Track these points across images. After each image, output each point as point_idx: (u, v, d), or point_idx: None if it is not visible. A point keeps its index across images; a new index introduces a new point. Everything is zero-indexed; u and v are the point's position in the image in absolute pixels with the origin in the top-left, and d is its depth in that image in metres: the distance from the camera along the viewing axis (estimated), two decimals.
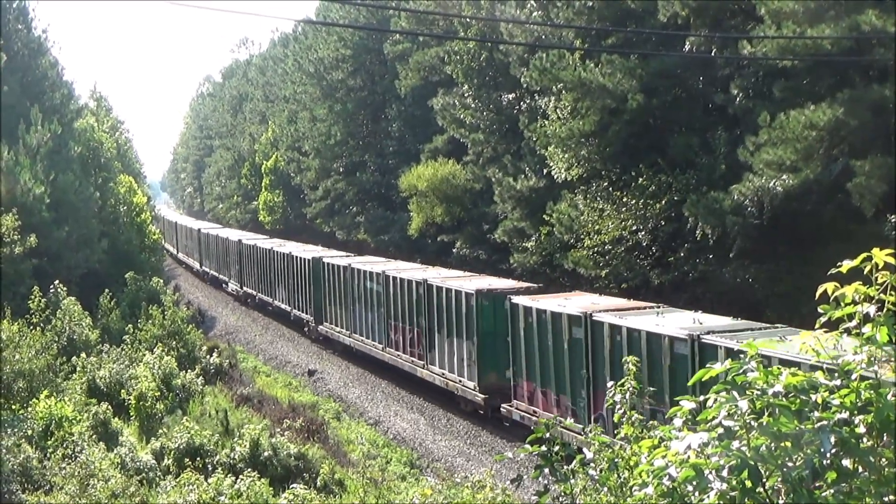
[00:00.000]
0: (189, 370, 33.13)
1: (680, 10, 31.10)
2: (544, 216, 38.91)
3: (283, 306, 52.76)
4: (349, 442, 30.12)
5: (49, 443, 23.29)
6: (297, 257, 49.55)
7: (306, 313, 47.99)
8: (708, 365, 5.46)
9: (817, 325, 5.45)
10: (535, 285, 32.59)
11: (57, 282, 36.98)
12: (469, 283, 33.16)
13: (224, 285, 68.59)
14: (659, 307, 25.53)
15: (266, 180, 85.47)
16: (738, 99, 31.25)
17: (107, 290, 41.29)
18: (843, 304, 5.29)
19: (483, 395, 30.47)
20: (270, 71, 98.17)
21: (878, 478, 4.77)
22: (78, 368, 30.74)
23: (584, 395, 24.59)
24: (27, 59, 47.17)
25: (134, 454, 23.20)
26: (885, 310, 5.16)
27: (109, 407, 26.52)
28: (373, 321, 39.26)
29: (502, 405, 29.13)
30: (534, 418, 25.20)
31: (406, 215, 54.50)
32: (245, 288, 61.66)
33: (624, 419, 9.31)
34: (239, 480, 20.36)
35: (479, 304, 30.72)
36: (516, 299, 28.41)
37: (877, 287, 5.21)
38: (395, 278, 36.67)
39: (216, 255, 71.81)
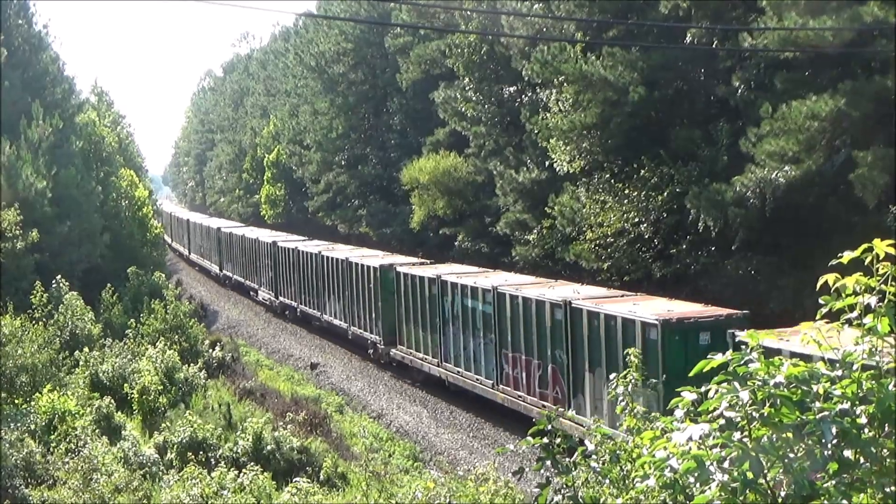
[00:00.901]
0: (191, 364, 33.16)
1: (681, 3, 31.06)
2: (546, 209, 38.89)
3: (336, 322, 44.49)
4: (352, 435, 30.14)
5: (52, 437, 23.33)
6: (358, 265, 41.13)
7: (372, 332, 39.80)
8: (710, 356, 5.45)
9: (818, 316, 5.45)
10: (740, 312, 23.59)
11: (59, 277, 37.04)
12: (640, 307, 24.38)
13: (252, 293, 61.42)
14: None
15: (268, 174, 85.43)
16: (739, 91, 31.22)
17: (109, 285, 41.36)
18: (844, 295, 5.29)
19: None
20: (271, 65, 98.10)
21: (880, 468, 4.77)
22: (80, 363, 30.79)
23: None
24: (28, 55, 47.17)
25: (137, 448, 23.24)
26: (885, 300, 5.16)
27: (112, 401, 26.57)
28: (476, 349, 31.34)
29: None
30: None
31: (408, 208, 54.49)
32: (282, 298, 53.81)
33: (626, 411, 9.32)
34: (242, 474, 20.39)
35: (665, 338, 22.40)
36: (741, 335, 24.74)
37: (878, 278, 5.21)
38: (514, 297, 28.82)
39: (241, 258, 63.47)
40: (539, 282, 31.76)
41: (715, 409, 5.05)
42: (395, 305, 37.29)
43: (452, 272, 35.02)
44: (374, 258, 42.27)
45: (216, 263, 72.58)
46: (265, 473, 21.06)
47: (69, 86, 52.53)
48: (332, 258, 44.91)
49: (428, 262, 40.70)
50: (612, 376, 9.85)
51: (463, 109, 46.72)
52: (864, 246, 5.23)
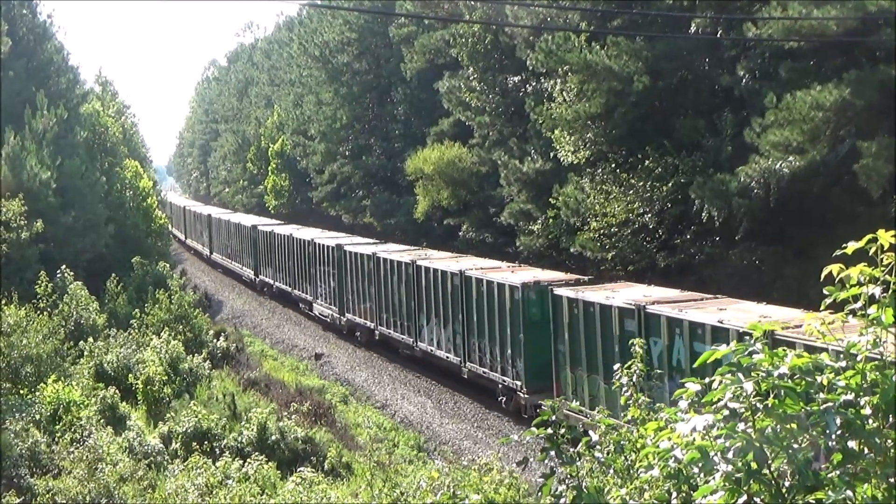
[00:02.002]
0: (196, 354, 33.20)
1: None
2: (550, 199, 38.85)
3: (440, 353, 34.45)
4: (356, 425, 30.20)
5: (57, 427, 23.39)
6: (494, 283, 30.32)
7: (506, 374, 29.64)
8: (713, 347, 5.46)
9: (823, 307, 5.45)
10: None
11: (64, 267, 37.09)
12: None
13: (304, 306, 51.05)
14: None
15: (273, 164, 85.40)
16: (744, 80, 31.18)
17: (113, 275, 41.38)
18: (848, 285, 5.29)
19: None
20: (276, 55, 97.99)
21: (884, 459, 4.77)
22: (85, 353, 30.84)
23: None
24: (32, 45, 47.19)
25: (142, 438, 23.31)
26: (890, 291, 5.15)
27: (117, 391, 26.64)
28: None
29: None
30: None
31: (412, 199, 54.44)
32: (351, 315, 43.12)
33: (630, 402, 9.33)
34: (246, 464, 20.45)
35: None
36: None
37: (882, 268, 5.21)
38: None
39: (287, 263, 53.21)
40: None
41: (719, 400, 5.05)
42: (551, 338, 27.09)
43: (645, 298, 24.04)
44: (511, 272, 31.67)
45: (249, 267, 62.70)
46: (270, 463, 21.10)
47: (73, 76, 52.54)
48: (445, 272, 33.82)
49: (583, 278, 30.41)
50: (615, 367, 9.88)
51: (467, 99, 46.67)
52: (869, 236, 5.22)
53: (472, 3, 44.90)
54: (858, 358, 5.06)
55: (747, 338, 5.38)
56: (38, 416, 23.39)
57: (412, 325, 36.52)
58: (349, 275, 42.97)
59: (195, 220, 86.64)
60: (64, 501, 18.66)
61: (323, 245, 47.06)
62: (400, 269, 37.73)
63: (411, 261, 36.72)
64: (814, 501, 4.71)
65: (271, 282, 57.33)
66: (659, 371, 19.30)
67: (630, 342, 10.67)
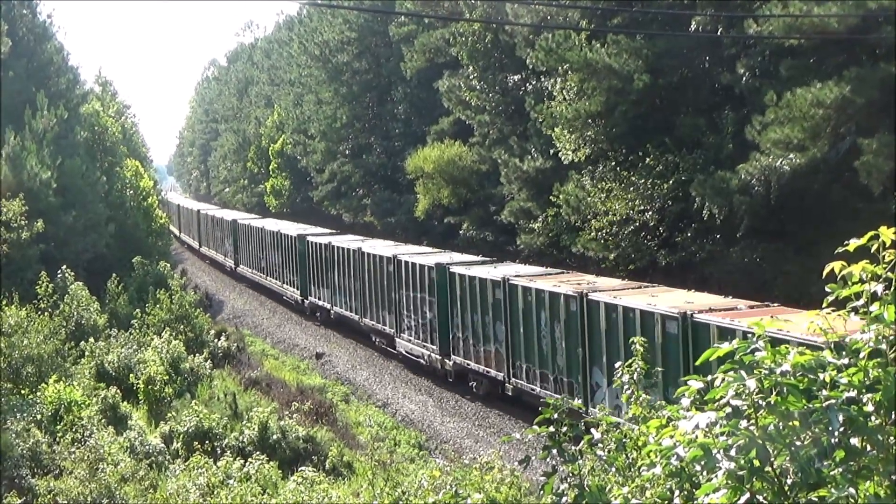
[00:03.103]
0: (197, 354, 33.21)
1: None
2: (551, 197, 38.86)
3: None
4: (357, 424, 30.20)
5: (58, 427, 23.39)
6: (654, 315, 22.44)
7: None
8: (715, 345, 5.45)
9: (825, 304, 5.44)
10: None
11: (64, 267, 37.08)
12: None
13: (379, 340, 40.43)
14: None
15: (274, 164, 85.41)
16: (744, 78, 31.18)
17: (114, 275, 41.38)
18: (850, 282, 5.28)
19: None
20: (276, 54, 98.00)
21: (886, 456, 4.76)
22: (86, 353, 30.84)
23: None
24: (32, 45, 47.17)
25: (143, 438, 23.30)
26: (892, 288, 5.14)
27: (118, 391, 26.64)
28: None
29: None
30: None
31: (412, 197, 54.48)
32: (460, 358, 32.67)
33: (632, 399, 9.32)
34: (248, 463, 20.45)
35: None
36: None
37: (884, 265, 5.19)
38: None
39: (353, 285, 42.10)
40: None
41: (721, 398, 5.04)
42: None
43: None
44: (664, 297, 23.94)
45: (293, 286, 51.66)
46: (271, 462, 21.11)
47: (73, 76, 52.52)
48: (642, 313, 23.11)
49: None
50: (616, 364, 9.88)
51: (467, 98, 46.69)
52: (870, 234, 5.21)
53: (473, 1, 44.94)
54: (861, 355, 5.06)
55: (750, 335, 5.37)
56: (39, 417, 23.38)
57: (582, 383, 25.88)
58: (459, 304, 32.29)
59: (214, 226, 74.95)
60: (65, 502, 18.66)
61: (413, 264, 35.70)
62: (557, 302, 26.77)
63: (577, 293, 25.86)
64: (816, 499, 4.69)
65: (327, 305, 45.75)
66: None
67: (630, 340, 10.65)
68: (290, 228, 55.19)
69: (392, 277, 37.38)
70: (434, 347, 34.04)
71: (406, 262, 36.29)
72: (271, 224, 59.92)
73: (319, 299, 47.43)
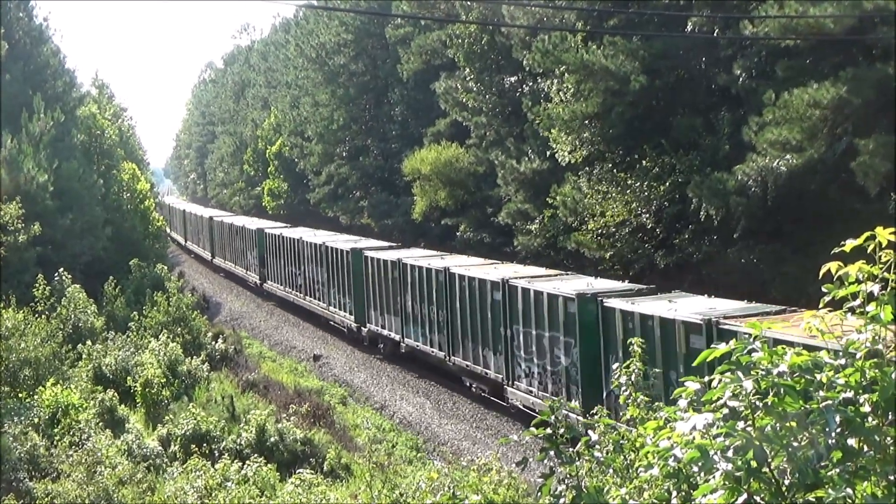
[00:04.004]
0: (194, 356, 33.18)
1: None
2: (548, 199, 38.89)
3: None
4: (355, 426, 30.19)
5: (56, 430, 23.36)
6: None
7: None
8: (713, 346, 5.45)
9: (821, 305, 5.44)
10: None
11: (61, 269, 37.07)
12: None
13: (474, 385, 32.20)
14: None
15: (271, 166, 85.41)
16: (741, 79, 31.19)
17: (111, 278, 41.39)
18: (846, 283, 5.28)
19: None
20: (272, 56, 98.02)
21: (884, 456, 4.76)
22: (84, 356, 30.82)
23: None
24: (29, 48, 47.14)
25: (140, 441, 23.29)
26: (889, 288, 5.15)
27: (115, 394, 26.63)
28: None
29: None
30: None
31: (409, 199, 54.50)
32: None
33: (629, 401, 9.33)
34: (245, 466, 20.45)
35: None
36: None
37: (881, 266, 5.20)
38: None
39: (436, 312, 33.91)
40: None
41: (718, 399, 5.04)
42: None
43: None
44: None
45: (345, 309, 43.48)
46: (269, 465, 21.10)
47: (70, 79, 52.49)
48: None
49: None
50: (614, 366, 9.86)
51: (464, 100, 46.71)
52: (867, 234, 5.22)
53: (469, 3, 44.92)
54: (858, 356, 5.06)
55: (746, 336, 5.37)
56: (36, 420, 23.36)
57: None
58: (621, 350, 22.30)
59: (233, 236, 66.56)
60: None
61: (540, 293, 27.25)
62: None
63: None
64: (814, 499, 4.70)
65: (394, 336, 37.97)
66: None
67: (629, 341, 10.66)
68: (338, 241, 46.74)
69: (501, 308, 29.11)
70: (574, 405, 24.36)
71: (528, 291, 27.75)
72: (310, 235, 51.14)
73: (383, 328, 38.85)
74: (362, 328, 41.41)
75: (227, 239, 68.63)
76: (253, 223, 64.93)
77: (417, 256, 37.77)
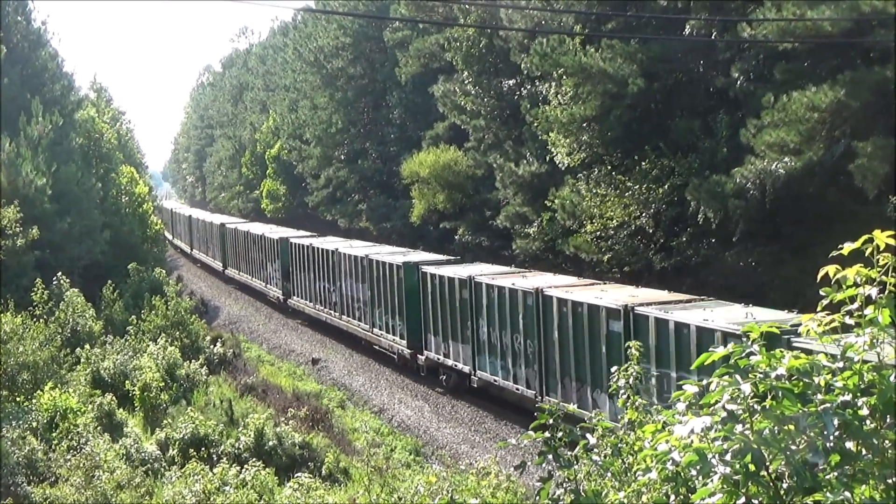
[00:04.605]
0: (193, 360, 33.14)
1: None
2: (546, 202, 38.90)
3: None
4: (354, 430, 30.17)
5: (54, 434, 23.32)
6: None
7: None
8: (711, 349, 5.45)
9: (819, 308, 5.44)
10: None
11: (59, 273, 37.01)
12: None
13: None
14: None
15: (270, 169, 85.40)
16: (739, 82, 31.21)
17: (109, 282, 41.34)
18: (844, 286, 5.28)
19: None
20: (270, 60, 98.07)
21: (882, 460, 4.76)
22: (82, 360, 30.78)
23: None
24: (27, 51, 47.14)
25: (139, 445, 23.26)
26: (887, 292, 5.14)
27: (114, 398, 26.58)
28: None
29: None
30: None
31: (408, 202, 54.50)
32: None
33: (628, 404, 9.32)
34: (244, 470, 20.41)
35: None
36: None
37: (878, 269, 5.19)
38: None
39: (517, 339, 28.95)
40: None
41: (716, 402, 5.04)
42: None
43: None
44: None
45: (395, 332, 37.71)
46: (267, 469, 21.06)
47: (68, 82, 52.46)
48: None
49: None
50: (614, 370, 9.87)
51: (462, 103, 46.73)
52: (865, 237, 5.21)
53: (467, 6, 44.94)
54: (856, 359, 5.05)
55: (745, 339, 5.37)
56: (34, 424, 23.31)
57: None
58: None
59: (251, 246, 60.53)
60: None
61: (688, 327, 21.45)
62: None
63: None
64: (812, 503, 4.69)
65: (463, 368, 32.42)
66: None
67: (626, 345, 10.65)
68: (383, 253, 41.13)
69: (622, 341, 22.11)
70: None
71: (664, 322, 22.15)
72: (346, 246, 45.59)
73: (447, 357, 33.49)
74: (418, 356, 35.61)
75: (242, 248, 62.92)
76: (275, 231, 59.40)
77: (495, 274, 31.85)
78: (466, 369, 31.98)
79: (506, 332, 29.19)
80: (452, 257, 40.90)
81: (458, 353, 32.60)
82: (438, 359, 34.06)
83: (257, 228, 62.75)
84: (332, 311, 44.96)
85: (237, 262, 64.73)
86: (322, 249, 46.32)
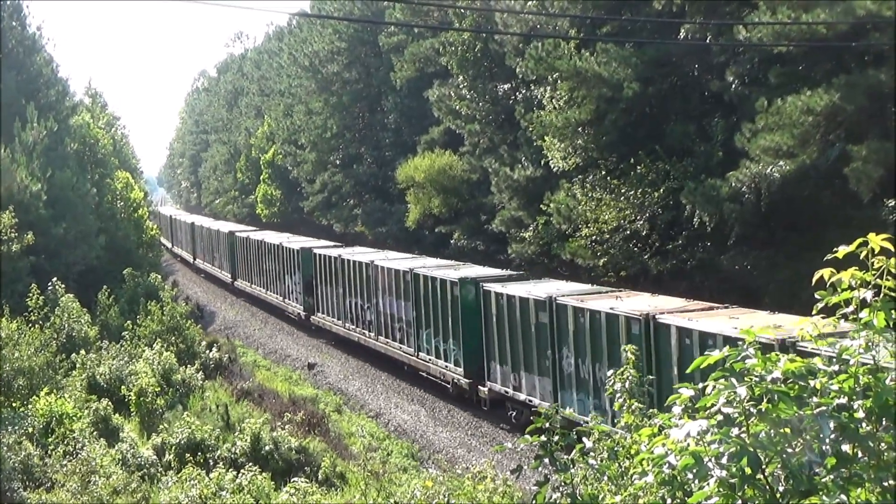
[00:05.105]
0: (189, 365, 33.14)
1: None
2: (541, 206, 38.88)
3: None
4: (350, 435, 30.14)
5: (50, 440, 23.31)
6: None
7: None
8: (707, 353, 5.46)
9: (815, 311, 5.45)
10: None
11: (55, 279, 36.98)
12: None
13: None
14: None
15: (264, 174, 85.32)
16: (734, 86, 31.22)
17: (105, 287, 41.28)
18: (839, 289, 5.29)
19: None
20: (265, 65, 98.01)
21: (878, 462, 4.77)
22: (77, 365, 30.76)
23: None
24: (22, 57, 47.14)
25: (135, 450, 23.23)
26: (881, 295, 5.16)
27: (110, 403, 26.56)
28: None
29: None
30: None
31: (403, 207, 54.47)
32: None
33: (624, 408, 9.33)
34: (240, 475, 20.37)
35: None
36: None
37: (873, 272, 5.21)
38: None
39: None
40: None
41: (712, 406, 5.05)
42: None
43: None
44: None
45: (445, 357, 33.10)
46: (263, 474, 21.03)
47: (63, 88, 52.46)
48: None
49: None
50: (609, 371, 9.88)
51: (457, 107, 46.72)
52: (860, 240, 5.23)
53: (462, 10, 44.96)
54: (851, 362, 5.07)
55: (740, 343, 5.38)
56: (30, 429, 23.30)
57: None
58: None
59: (264, 256, 55.84)
60: None
61: None
62: None
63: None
64: None
65: (542, 403, 26.14)
66: None
67: (623, 348, 10.67)
68: (429, 266, 36.25)
69: None
70: None
71: None
72: (382, 258, 40.39)
73: (518, 390, 28.87)
74: (479, 386, 31.03)
75: (255, 259, 58.09)
76: (294, 241, 53.85)
77: (581, 294, 27.19)
78: (545, 406, 22.99)
79: (601, 364, 24.32)
80: (514, 272, 34.95)
81: (532, 387, 27.93)
82: (506, 391, 29.28)
83: (273, 237, 57.64)
84: (367, 332, 39.86)
85: (249, 274, 59.92)
86: (354, 262, 41.12)
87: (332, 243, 52.08)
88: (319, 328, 46.30)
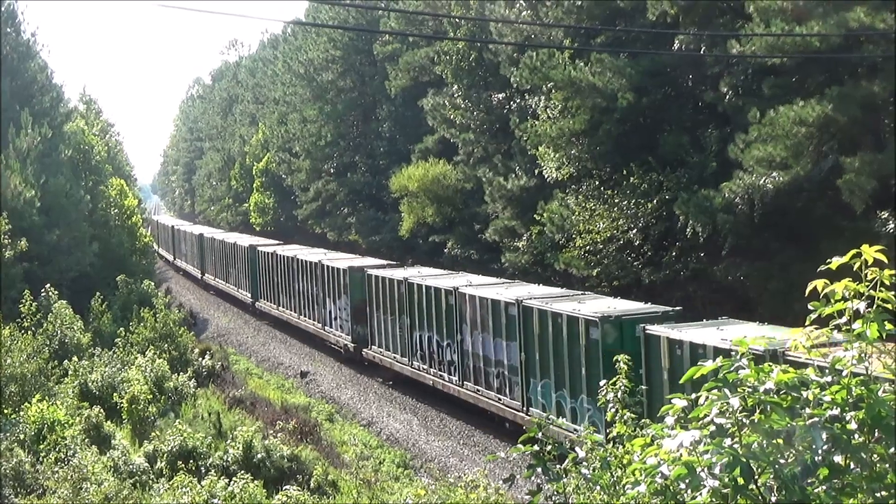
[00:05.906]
0: (181, 373, 33.07)
1: (669, 9, 31.08)
2: (535, 216, 38.91)
3: None
4: (342, 443, 30.11)
5: (41, 447, 23.24)
6: None
7: None
8: (700, 363, 5.47)
9: (808, 322, 5.46)
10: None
11: (48, 285, 36.93)
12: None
13: None
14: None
15: (258, 182, 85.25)
16: (727, 97, 31.27)
17: (98, 294, 41.19)
18: (833, 300, 5.30)
19: None
20: (260, 73, 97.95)
21: (870, 473, 4.78)
22: (70, 372, 30.66)
23: None
24: (16, 63, 47.09)
25: (127, 457, 23.17)
26: (874, 306, 5.17)
27: (102, 410, 26.48)
28: None
29: None
30: None
31: (397, 216, 54.46)
32: None
33: (616, 418, 9.33)
34: (232, 482, 20.34)
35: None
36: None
37: (866, 283, 5.22)
38: None
39: None
40: None
41: (705, 416, 5.06)
42: None
43: None
44: None
45: (574, 417, 24.80)
46: (255, 482, 21.00)
47: (57, 94, 52.42)
48: None
49: None
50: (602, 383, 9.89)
51: (451, 116, 46.75)
52: (853, 252, 5.24)
53: (457, 20, 45.00)
54: (844, 373, 5.08)
55: (734, 353, 5.39)
56: (22, 436, 23.25)
57: None
58: None
59: (296, 276, 48.67)
60: None
61: None
62: None
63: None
64: None
65: None
66: None
67: (615, 358, 10.67)
68: (538, 297, 27.86)
69: None
70: None
71: None
72: (463, 282, 32.97)
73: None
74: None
75: (282, 278, 51.07)
76: (339, 259, 45.99)
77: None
78: None
79: None
80: (670, 308, 24.97)
81: None
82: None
83: (308, 254, 49.97)
84: (446, 374, 32.52)
85: (275, 295, 52.94)
86: (426, 287, 33.56)
87: (383, 262, 44.63)
88: (376, 364, 38.77)
